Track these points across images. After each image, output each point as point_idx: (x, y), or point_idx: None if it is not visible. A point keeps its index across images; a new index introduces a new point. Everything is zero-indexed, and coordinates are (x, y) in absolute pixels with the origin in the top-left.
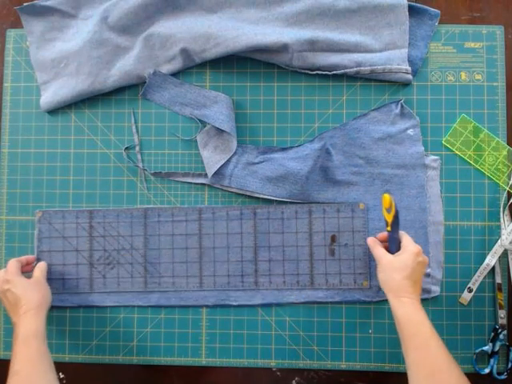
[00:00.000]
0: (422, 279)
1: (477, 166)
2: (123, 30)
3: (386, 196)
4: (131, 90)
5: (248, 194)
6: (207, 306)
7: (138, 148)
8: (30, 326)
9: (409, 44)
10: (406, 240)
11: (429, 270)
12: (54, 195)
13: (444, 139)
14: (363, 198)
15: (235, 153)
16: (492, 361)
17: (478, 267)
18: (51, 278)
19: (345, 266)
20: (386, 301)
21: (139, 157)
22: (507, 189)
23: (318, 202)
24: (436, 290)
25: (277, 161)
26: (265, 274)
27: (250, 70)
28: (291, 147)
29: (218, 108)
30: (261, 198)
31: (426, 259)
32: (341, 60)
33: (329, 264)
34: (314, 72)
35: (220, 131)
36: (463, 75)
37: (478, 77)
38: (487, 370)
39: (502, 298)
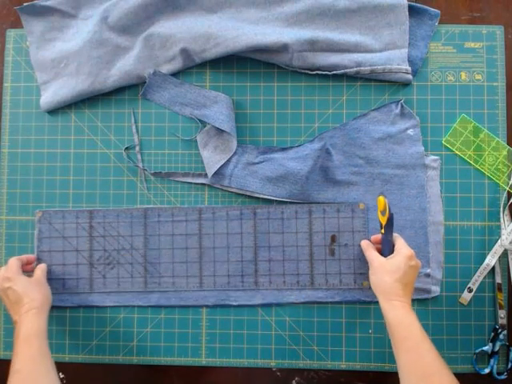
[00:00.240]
0: (423, 280)
1: (477, 166)
2: (123, 30)
3: (381, 198)
4: (131, 89)
5: (248, 193)
6: (207, 306)
7: (137, 148)
8: (31, 325)
9: (409, 44)
10: (400, 243)
11: (429, 270)
12: (54, 195)
13: (444, 139)
14: (363, 198)
15: (235, 153)
16: (492, 361)
17: (478, 267)
18: (51, 278)
19: (345, 266)
20: None
21: (139, 157)
22: (507, 189)
23: (318, 202)
24: (436, 290)
25: (277, 161)
26: (265, 274)
27: (250, 70)
28: (291, 147)
29: (218, 108)
30: (261, 197)
31: (419, 263)
32: (341, 60)
33: (329, 264)
34: (314, 72)
35: (220, 131)
36: (463, 75)
37: (478, 77)
38: (487, 370)
39: (501, 298)
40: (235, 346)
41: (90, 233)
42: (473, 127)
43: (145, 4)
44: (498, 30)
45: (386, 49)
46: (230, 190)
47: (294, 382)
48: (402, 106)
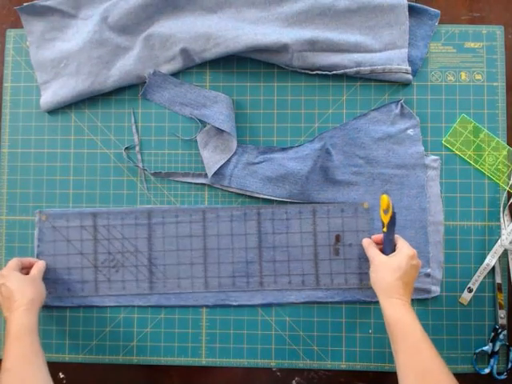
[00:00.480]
0: (423, 280)
1: (477, 166)
2: (123, 29)
3: (385, 197)
4: (131, 89)
5: (248, 194)
6: (207, 306)
7: (137, 148)
8: (22, 322)
9: (409, 44)
10: (402, 242)
11: (429, 270)
12: (54, 195)
13: (444, 139)
14: (363, 198)
15: (235, 153)
16: (492, 361)
17: (478, 267)
18: (56, 281)
19: (350, 265)
20: None
21: (139, 157)
22: (507, 189)
23: (318, 202)
24: (436, 290)
25: (277, 161)
26: (270, 275)
27: (250, 70)
28: (291, 147)
29: (218, 108)
30: (261, 197)
31: (420, 263)
32: (341, 60)
33: (333, 264)
34: (314, 72)
35: (220, 131)
36: (463, 75)
37: (478, 77)
38: (487, 370)
39: (501, 298)
40: (235, 346)
41: (95, 235)
42: (473, 127)
43: (145, 4)
44: (498, 30)
45: (385, 49)
46: (230, 189)
47: (293, 382)
48: (401, 106)
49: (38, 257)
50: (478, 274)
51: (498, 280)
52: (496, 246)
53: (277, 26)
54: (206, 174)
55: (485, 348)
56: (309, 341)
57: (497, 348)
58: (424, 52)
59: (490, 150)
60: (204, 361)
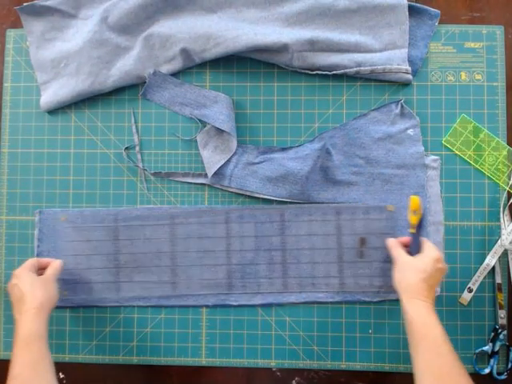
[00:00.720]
0: None
1: (477, 166)
2: (123, 30)
3: (415, 198)
4: (131, 89)
5: (248, 193)
6: (207, 306)
7: (137, 148)
8: (31, 326)
9: (409, 44)
10: (428, 244)
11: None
12: (54, 195)
13: (444, 139)
14: (363, 198)
15: (235, 153)
16: (492, 361)
17: (478, 267)
18: (77, 283)
19: (374, 268)
20: (386, 301)
21: (139, 157)
22: (507, 189)
23: (318, 202)
24: (436, 290)
25: (277, 161)
26: (294, 277)
27: (250, 70)
28: (291, 147)
29: (218, 108)
30: (261, 198)
31: (446, 267)
32: (341, 60)
33: (358, 266)
34: (314, 72)
35: (220, 131)
36: (463, 75)
37: (478, 77)
38: (487, 370)
39: (501, 298)
40: (235, 346)
41: (116, 236)
42: (473, 127)
43: (145, 4)
44: (498, 30)
45: (385, 49)
46: (229, 189)
47: (293, 382)
48: (402, 106)
49: (37, 257)
50: (478, 274)
51: (498, 280)
52: (496, 246)
53: (277, 26)
54: (206, 174)
55: (485, 348)
56: (309, 341)
57: (497, 348)
58: (424, 52)
59: (489, 150)
60: (204, 361)
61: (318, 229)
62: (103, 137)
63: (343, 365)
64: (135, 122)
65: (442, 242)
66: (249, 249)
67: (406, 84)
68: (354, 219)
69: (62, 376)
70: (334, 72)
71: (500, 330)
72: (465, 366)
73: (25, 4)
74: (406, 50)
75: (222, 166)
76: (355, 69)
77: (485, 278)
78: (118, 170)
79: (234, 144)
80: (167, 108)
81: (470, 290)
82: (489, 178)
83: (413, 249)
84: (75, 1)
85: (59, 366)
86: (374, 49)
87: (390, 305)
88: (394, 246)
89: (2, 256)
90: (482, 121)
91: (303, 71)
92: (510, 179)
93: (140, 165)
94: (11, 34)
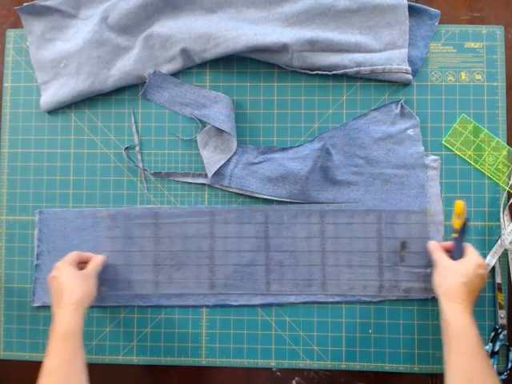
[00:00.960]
0: (423, 280)
1: (477, 166)
2: (123, 30)
3: (460, 203)
4: (131, 89)
5: (248, 194)
6: (207, 306)
7: (137, 148)
8: (68, 323)
9: (409, 44)
10: (471, 250)
11: (429, 270)
12: (54, 195)
13: (444, 139)
14: (363, 198)
15: (235, 153)
16: (492, 361)
17: None
18: (115, 279)
19: (414, 273)
20: (386, 301)
21: (139, 157)
22: (507, 189)
23: (318, 202)
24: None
25: (277, 161)
26: (333, 279)
27: (250, 70)
28: (291, 147)
29: (218, 108)
30: (261, 197)
31: (486, 274)
32: (341, 60)
33: (399, 271)
34: (314, 72)
35: (220, 131)
36: (463, 75)
37: (478, 77)
38: None
39: (501, 298)
40: (235, 346)
41: (156, 233)
42: (473, 127)
43: (145, 4)
44: (498, 30)
45: (385, 49)
46: (229, 190)
47: (293, 381)
48: (402, 106)
49: (37, 257)
50: None
51: (498, 280)
52: (496, 246)
53: (277, 26)
54: (206, 174)
55: (485, 348)
56: (309, 341)
57: (497, 348)
58: (424, 52)
59: (489, 150)
60: (204, 361)
61: (359, 231)
62: (103, 137)
63: (343, 365)
64: (135, 122)
65: (442, 242)
66: (249, 249)
67: (406, 84)
68: (389, 223)
69: None
70: (334, 72)
71: (500, 330)
72: None
73: (25, 4)
74: (406, 50)
75: (221, 166)
76: (355, 69)
77: None
78: (118, 170)
79: (234, 144)
80: (167, 108)
81: None
82: (489, 178)
83: (455, 253)
84: (75, 1)
85: None
86: (374, 49)
87: (389, 305)
88: (436, 249)
89: (2, 256)
90: (482, 121)
91: (303, 71)
92: (510, 179)
93: (140, 165)
94: (11, 33)
